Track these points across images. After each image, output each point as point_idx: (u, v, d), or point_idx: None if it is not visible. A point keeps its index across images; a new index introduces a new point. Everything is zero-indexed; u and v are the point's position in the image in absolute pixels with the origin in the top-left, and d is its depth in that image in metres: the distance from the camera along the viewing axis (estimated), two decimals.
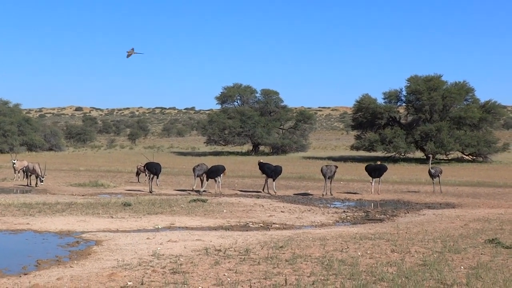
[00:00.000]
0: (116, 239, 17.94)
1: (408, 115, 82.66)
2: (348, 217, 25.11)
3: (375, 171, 34.94)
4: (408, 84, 78.53)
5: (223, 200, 29.73)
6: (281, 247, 16.21)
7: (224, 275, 12.81)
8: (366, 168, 36.03)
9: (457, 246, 16.52)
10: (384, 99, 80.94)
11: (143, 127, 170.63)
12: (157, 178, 34.99)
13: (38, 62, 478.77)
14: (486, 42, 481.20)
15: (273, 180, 35.00)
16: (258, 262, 14.11)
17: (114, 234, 18.95)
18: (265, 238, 18.05)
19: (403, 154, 74.98)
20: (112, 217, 22.90)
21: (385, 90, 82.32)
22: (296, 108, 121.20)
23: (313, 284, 11.95)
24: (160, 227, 21.06)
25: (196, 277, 12.59)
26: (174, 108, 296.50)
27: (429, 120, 75.72)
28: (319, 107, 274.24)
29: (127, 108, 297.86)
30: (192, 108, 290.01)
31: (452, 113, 76.23)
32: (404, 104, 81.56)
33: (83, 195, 32.15)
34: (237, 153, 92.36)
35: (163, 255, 15.10)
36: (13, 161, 42.05)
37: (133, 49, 48.88)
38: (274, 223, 22.73)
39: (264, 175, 35.80)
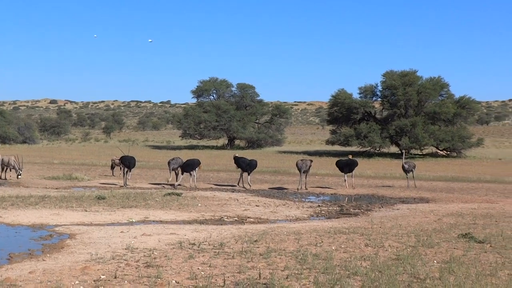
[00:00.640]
0: (89, 232, 17.84)
1: (383, 110, 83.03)
2: (323, 212, 25.14)
3: (346, 166, 35.00)
4: (384, 79, 78.84)
5: (198, 194, 29.68)
6: (255, 241, 16.20)
7: (198, 268, 12.78)
8: (337, 164, 36.08)
9: (430, 240, 16.59)
10: (359, 94, 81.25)
11: (118, 121, 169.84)
12: (130, 171, 34.71)
13: (12, 55, 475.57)
14: (462, 38, 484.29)
15: (248, 174, 34.99)
16: (232, 256, 14.09)
17: (88, 228, 18.84)
18: (240, 232, 18.04)
19: (378, 149, 75.35)
20: (86, 211, 22.77)
21: (361, 85, 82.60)
22: (271, 103, 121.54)
23: (287, 278, 11.95)
24: (134, 220, 20.98)
25: (170, 271, 12.55)
26: (149, 102, 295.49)
27: (404, 115, 76.06)
28: (294, 102, 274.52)
29: (102, 101, 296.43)
30: (168, 102, 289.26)
31: (427, 108, 76.65)
32: (379, 99, 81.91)
33: (56, 188, 31.96)
34: (213, 147, 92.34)
35: (137, 248, 15.04)
36: None
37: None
38: (248, 217, 22.72)
39: (239, 169, 35.77)
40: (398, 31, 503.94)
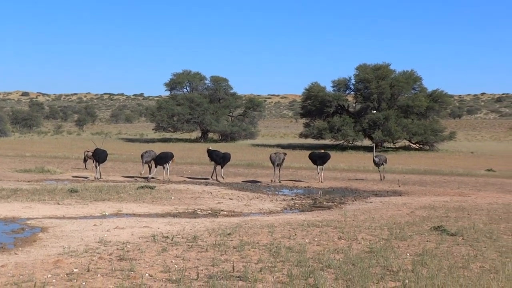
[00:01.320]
0: (62, 225, 17.73)
1: (356, 103, 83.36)
2: (296, 205, 25.16)
3: (319, 159, 35.04)
4: (357, 73, 79.18)
5: (171, 187, 29.60)
6: (229, 234, 16.19)
7: (172, 262, 12.75)
8: (310, 156, 36.13)
9: (403, 233, 16.67)
10: (333, 87, 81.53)
11: (91, 113, 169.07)
12: (98, 165, 34.31)
13: None
14: (434, 32, 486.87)
15: (222, 167, 34.96)
16: (206, 249, 14.07)
17: (60, 221, 18.72)
18: (213, 225, 18.02)
19: (351, 142, 75.66)
20: (59, 204, 22.62)
21: (334, 78, 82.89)
22: (245, 96, 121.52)
23: (260, 271, 11.95)
24: (107, 214, 20.87)
25: (143, 264, 12.51)
26: (122, 94, 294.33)
27: (377, 109, 76.30)
28: (268, 95, 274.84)
29: (75, 94, 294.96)
30: (141, 95, 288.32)
31: (400, 102, 77.10)
32: (352, 92, 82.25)
33: (28, 181, 31.72)
34: (186, 140, 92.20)
35: (110, 242, 14.97)
36: None
37: None
38: (222, 210, 22.69)
39: (212, 162, 35.71)
40: (371, 25, 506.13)
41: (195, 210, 22.54)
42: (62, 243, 14.92)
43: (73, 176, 35.40)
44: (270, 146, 76.49)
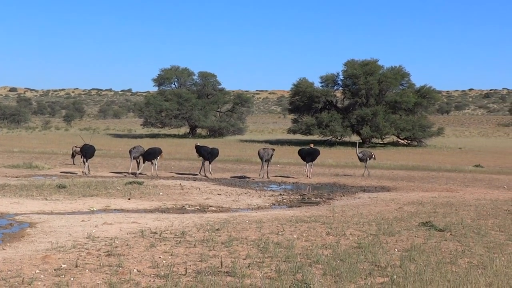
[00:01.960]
0: (50, 221, 17.68)
1: (344, 99, 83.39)
2: (285, 200, 25.19)
3: (308, 155, 35.01)
4: (345, 68, 79.25)
5: (159, 183, 29.57)
6: (217, 229, 16.18)
7: (160, 257, 12.74)
8: (299, 153, 36.14)
9: (391, 229, 16.70)
10: (321, 83, 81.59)
11: (78, 109, 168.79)
12: (86, 161, 34.22)
13: None
14: (423, 28, 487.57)
15: (210, 163, 34.92)
16: (194, 245, 14.07)
17: (48, 216, 18.68)
18: (202, 221, 18.00)
19: (339, 138, 75.73)
20: (47, 199, 22.58)
21: (322, 74, 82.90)
22: (233, 91, 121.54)
23: (248, 266, 11.95)
24: (95, 209, 20.84)
25: (131, 260, 12.49)
26: (110, 90, 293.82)
27: (365, 104, 76.51)
28: (256, 91, 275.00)
29: (63, 89, 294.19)
30: (129, 90, 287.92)
31: (388, 98, 77.22)
32: (341, 88, 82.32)
33: (16, 177, 31.61)
34: (174, 136, 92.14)
35: (98, 237, 14.94)
36: None
37: None
38: (210, 206, 22.68)
39: (200, 158, 35.69)
40: (359, 20, 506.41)
41: (184, 206, 22.52)
42: (50, 238, 14.89)
43: (61, 172, 35.31)
44: (258, 141, 76.52)
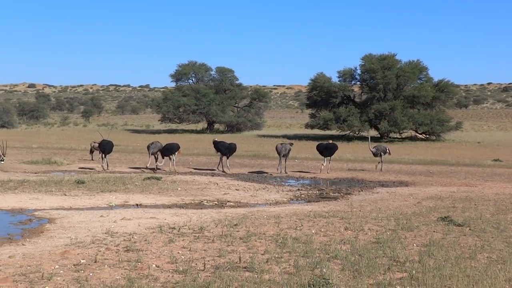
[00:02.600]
0: (69, 216, 17.77)
1: (362, 93, 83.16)
2: (303, 195, 25.16)
3: (326, 150, 34.93)
4: (363, 63, 78.93)
5: (177, 178, 29.62)
6: (235, 225, 16.19)
7: (178, 252, 12.76)
8: (317, 148, 36.06)
9: (410, 224, 16.65)
10: (338, 77, 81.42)
11: (97, 105, 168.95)
12: (104, 156, 34.38)
13: None
14: (441, 22, 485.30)
15: (228, 158, 34.91)
16: (212, 240, 14.08)
17: (67, 212, 18.77)
18: (220, 216, 18.02)
19: (357, 133, 75.46)
20: (65, 195, 22.68)
21: (340, 68, 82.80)
22: (251, 86, 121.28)
23: (267, 261, 11.95)
24: (114, 205, 20.90)
25: (150, 255, 12.52)
26: (128, 86, 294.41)
27: (383, 99, 76.25)
28: (274, 86, 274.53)
29: (81, 85, 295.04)
30: (147, 86, 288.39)
31: (406, 92, 76.88)
32: (358, 82, 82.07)
33: (36, 173, 31.78)
34: (192, 131, 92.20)
35: (116, 233, 14.99)
36: None
37: None
38: (228, 201, 22.70)
39: (218, 153, 35.69)
40: (377, 14, 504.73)
41: (202, 201, 22.55)
42: (69, 234, 14.96)
43: (79, 168, 35.44)
44: (276, 137, 76.42)
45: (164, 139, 48.52)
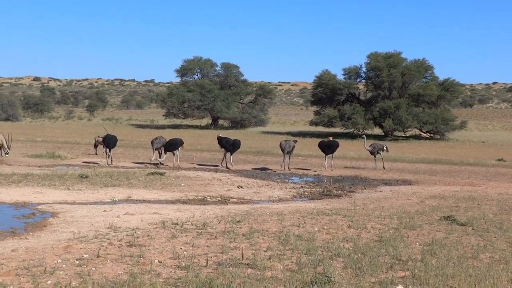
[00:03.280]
0: (72, 211, 17.78)
1: (367, 91, 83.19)
2: (306, 193, 25.14)
3: (328, 147, 34.92)
4: (368, 61, 78.99)
5: (181, 174, 29.64)
6: (238, 221, 16.19)
7: (181, 248, 12.77)
8: (319, 145, 36.02)
9: (413, 222, 16.63)
10: (344, 75, 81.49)
11: (101, 99, 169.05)
12: (109, 151, 34.39)
13: None
14: (447, 21, 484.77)
15: (231, 154, 34.91)
16: (215, 236, 14.09)
17: (71, 206, 18.78)
18: (223, 212, 18.03)
19: (361, 131, 75.40)
20: (69, 189, 22.69)
21: (345, 66, 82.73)
22: (256, 83, 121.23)
23: (269, 258, 11.95)
24: (117, 199, 20.90)
25: (152, 250, 12.53)
26: (133, 80, 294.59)
27: (388, 97, 76.26)
28: (279, 82, 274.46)
29: (86, 79, 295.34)
30: (152, 81, 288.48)
31: (411, 90, 76.91)
32: (363, 80, 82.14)
33: (39, 166, 31.81)
34: (196, 127, 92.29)
35: (119, 228, 15.00)
36: None
37: None
38: (231, 198, 22.70)
39: (222, 149, 35.69)
40: (383, 12, 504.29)
41: (205, 197, 22.56)
42: (72, 228, 14.97)
43: (83, 162, 35.47)
44: (280, 133, 76.46)
45: (169, 134, 48.55)
